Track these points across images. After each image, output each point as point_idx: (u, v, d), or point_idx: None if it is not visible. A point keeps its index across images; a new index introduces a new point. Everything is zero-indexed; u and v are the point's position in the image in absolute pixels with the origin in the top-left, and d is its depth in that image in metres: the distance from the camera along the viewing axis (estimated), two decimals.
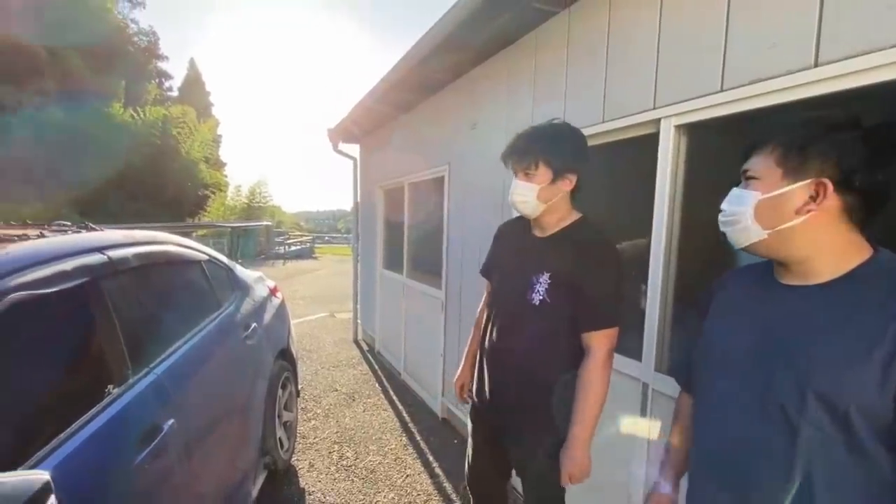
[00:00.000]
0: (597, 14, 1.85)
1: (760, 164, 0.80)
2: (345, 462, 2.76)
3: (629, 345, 1.72)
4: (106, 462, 1.19)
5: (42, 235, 1.43)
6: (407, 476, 2.62)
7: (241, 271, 2.78)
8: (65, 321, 1.35)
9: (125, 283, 1.53)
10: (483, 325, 1.58)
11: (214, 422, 1.80)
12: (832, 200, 0.72)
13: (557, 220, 1.38)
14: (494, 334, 1.48)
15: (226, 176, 29.07)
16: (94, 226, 1.74)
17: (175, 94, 29.54)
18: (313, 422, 3.29)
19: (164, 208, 18.94)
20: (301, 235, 23.89)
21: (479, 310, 1.72)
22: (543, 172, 1.31)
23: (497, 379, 1.47)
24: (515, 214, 1.51)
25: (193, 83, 30.63)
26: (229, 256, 3.57)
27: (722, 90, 1.37)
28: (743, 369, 0.82)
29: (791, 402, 0.72)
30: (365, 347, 5.16)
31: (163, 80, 28.20)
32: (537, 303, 1.33)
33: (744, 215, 0.80)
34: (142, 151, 18.74)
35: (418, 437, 3.06)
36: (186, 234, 3.12)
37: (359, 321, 5.60)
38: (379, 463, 2.75)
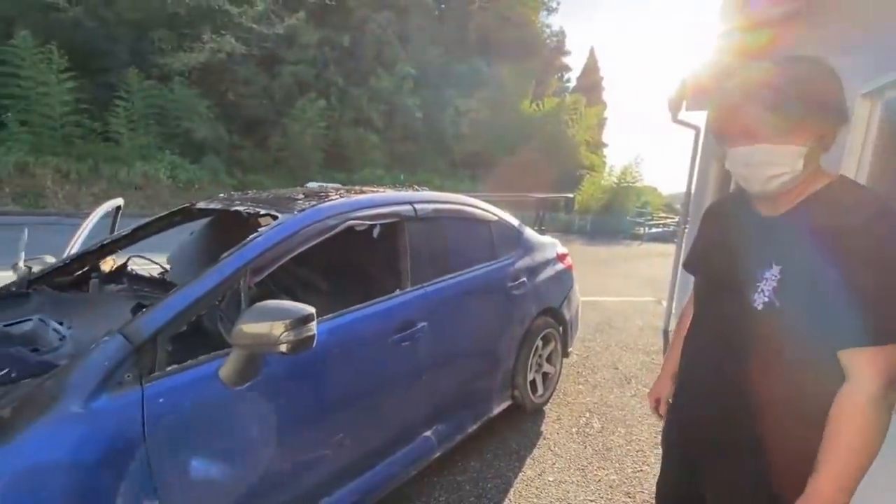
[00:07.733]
0: None
1: None
2: (588, 430, 2.86)
3: None
4: (370, 332, 1.93)
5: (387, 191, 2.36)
6: (639, 471, 2.45)
7: (531, 235, 3.25)
8: (381, 245, 2.23)
9: (421, 228, 2.28)
10: (686, 335, 1.24)
11: (462, 337, 2.39)
12: None
13: (801, 190, 0.94)
14: (697, 350, 1.15)
15: (604, 157, 30.77)
16: (418, 187, 2.62)
17: (572, 84, 33.37)
18: (580, 386, 3.48)
19: (548, 188, 22.38)
20: (666, 217, 22.35)
21: (681, 312, 1.41)
22: (812, 128, 0.88)
23: (696, 408, 1.14)
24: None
25: (590, 71, 33.55)
26: (537, 224, 4.15)
27: None
28: None
29: None
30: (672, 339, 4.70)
31: (563, 73, 32.44)
32: (761, 307, 0.95)
33: None
34: (538, 138, 22.67)
35: None
36: (519, 202, 3.94)
37: (673, 311, 5.10)
38: (619, 446, 2.68)
